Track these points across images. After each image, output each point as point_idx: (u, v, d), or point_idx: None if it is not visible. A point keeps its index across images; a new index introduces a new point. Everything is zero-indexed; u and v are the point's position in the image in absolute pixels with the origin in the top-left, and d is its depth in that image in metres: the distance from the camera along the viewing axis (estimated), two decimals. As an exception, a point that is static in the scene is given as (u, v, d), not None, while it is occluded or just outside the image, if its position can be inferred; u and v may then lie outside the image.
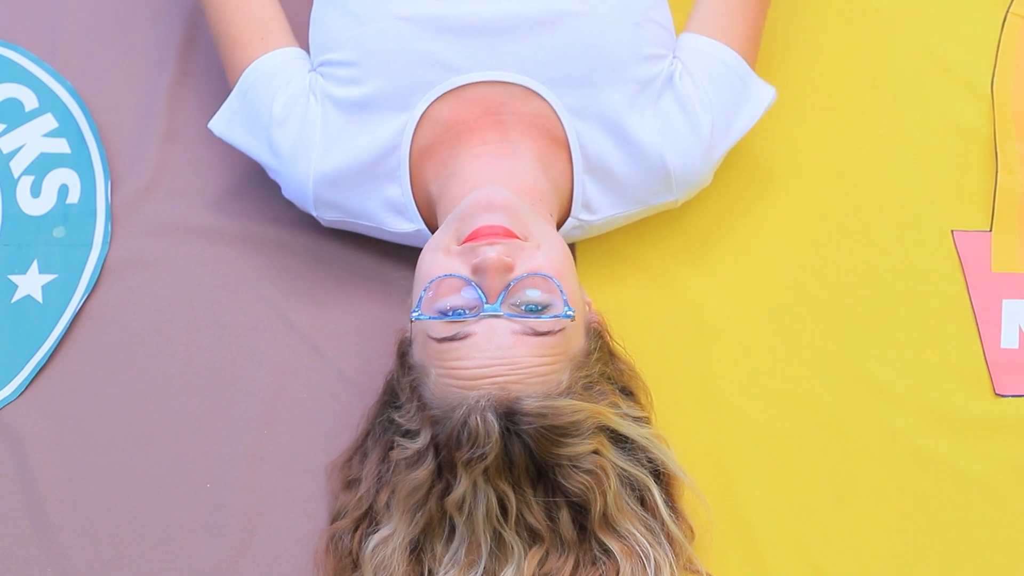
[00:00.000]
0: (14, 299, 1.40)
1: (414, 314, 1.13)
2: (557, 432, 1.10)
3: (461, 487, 1.11)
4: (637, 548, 1.13)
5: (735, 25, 1.34)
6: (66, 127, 1.50)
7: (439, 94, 1.26)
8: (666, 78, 1.29)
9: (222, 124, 1.35)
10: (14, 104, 1.51)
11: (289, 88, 1.31)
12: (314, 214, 1.34)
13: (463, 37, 1.26)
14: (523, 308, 1.12)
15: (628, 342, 1.26)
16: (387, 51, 1.27)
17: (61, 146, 1.49)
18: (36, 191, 1.46)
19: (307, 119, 1.30)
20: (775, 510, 1.27)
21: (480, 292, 1.11)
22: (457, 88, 1.26)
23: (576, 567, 1.14)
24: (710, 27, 1.33)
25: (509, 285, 1.12)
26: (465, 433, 1.08)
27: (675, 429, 1.25)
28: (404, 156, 1.28)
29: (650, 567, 1.12)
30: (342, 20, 1.30)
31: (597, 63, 1.26)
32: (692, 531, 1.20)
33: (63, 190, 1.46)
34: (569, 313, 1.12)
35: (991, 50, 1.51)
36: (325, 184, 1.30)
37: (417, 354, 1.17)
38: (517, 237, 1.15)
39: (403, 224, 1.31)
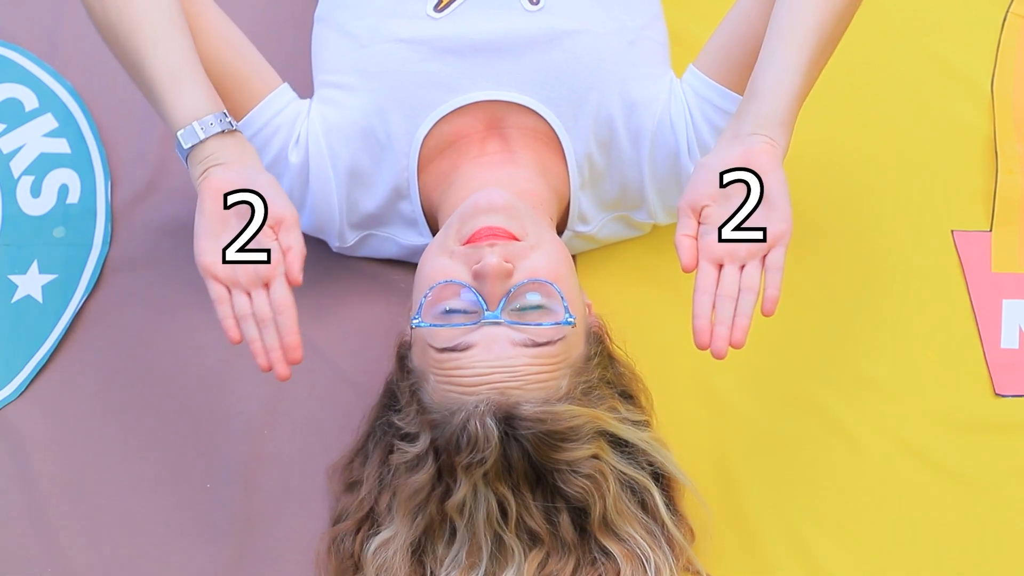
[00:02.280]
0: (14, 299, 1.40)
1: (415, 321, 1.13)
2: (556, 437, 1.10)
3: (461, 491, 1.11)
4: (637, 551, 1.13)
5: (743, 74, 1.24)
6: (66, 127, 1.50)
7: (442, 115, 1.26)
8: (664, 103, 1.28)
9: None
10: (14, 104, 1.51)
11: (294, 132, 1.29)
12: (335, 244, 1.35)
13: (463, 58, 1.26)
14: (523, 312, 1.12)
15: (628, 343, 1.26)
16: (389, 74, 1.27)
17: (61, 146, 1.49)
18: (36, 191, 1.46)
19: (319, 180, 1.29)
20: (775, 510, 1.27)
21: (480, 298, 1.11)
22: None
23: (576, 569, 1.14)
24: (718, 71, 1.27)
25: (509, 292, 1.12)
26: (464, 438, 1.08)
27: (675, 430, 1.25)
28: (413, 175, 1.28)
29: (650, 569, 1.13)
30: (343, 43, 1.30)
31: (592, 82, 1.26)
32: (692, 532, 1.21)
33: (63, 190, 1.46)
34: (570, 320, 1.12)
35: (991, 50, 1.51)
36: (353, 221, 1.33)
37: (416, 359, 1.17)
38: (517, 239, 1.15)
39: (415, 237, 1.32)
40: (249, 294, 1.10)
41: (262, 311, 1.09)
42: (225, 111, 1.14)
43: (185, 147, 1.13)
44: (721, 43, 1.27)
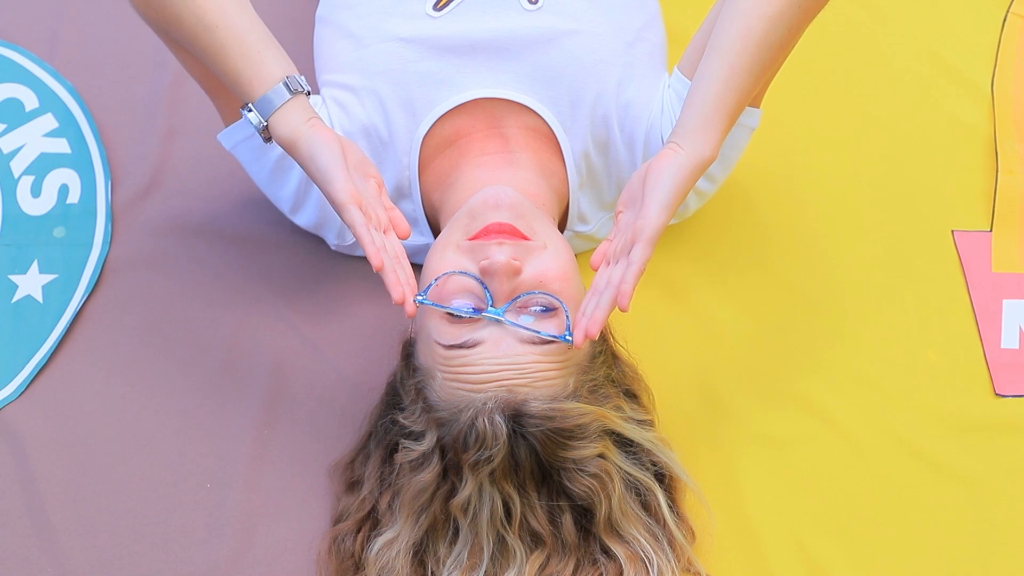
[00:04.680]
0: (14, 299, 1.40)
1: (418, 297, 1.12)
2: (563, 435, 1.10)
3: (467, 489, 1.11)
4: (640, 552, 1.13)
5: None
6: (66, 127, 1.50)
7: (441, 113, 1.27)
8: (657, 107, 1.28)
9: (234, 141, 1.30)
10: (14, 104, 1.51)
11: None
12: (333, 242, 1.36)
13: (462, 57, 1.26)
14: (530, 311, 1.12)
15: (630, 344, 1.26)
16: (389, 73, 1.27)
17: (61, 146, 1.49)
18: (36, 191, 1.46)
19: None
20: (775, 510, 1.27)
21: (487, 291, 1.11)
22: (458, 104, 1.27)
23: (577, 569, 1.13)
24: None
25: (517, 298, 1.11)
26: (473, 435, 1.08)
27: (677, 430, 1.25)
28: (414, 174, 1.29)
29: (652, 572, 1.12)
30: (343, 42, 1.30)
31: (589, 82, 1.27)
32: (693, 533, 1.20)
33: (63, 190, 1.46)
34: (567, 339, 1.11)
35: (991, 50, 1.51)
36: None
37: (422, 356, 1.17)
38: (525, 237, 1.15)
39: (416, 237, 1.33)
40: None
41: (395, 248, 1.12)
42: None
43: (279, 102, 1.13)
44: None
